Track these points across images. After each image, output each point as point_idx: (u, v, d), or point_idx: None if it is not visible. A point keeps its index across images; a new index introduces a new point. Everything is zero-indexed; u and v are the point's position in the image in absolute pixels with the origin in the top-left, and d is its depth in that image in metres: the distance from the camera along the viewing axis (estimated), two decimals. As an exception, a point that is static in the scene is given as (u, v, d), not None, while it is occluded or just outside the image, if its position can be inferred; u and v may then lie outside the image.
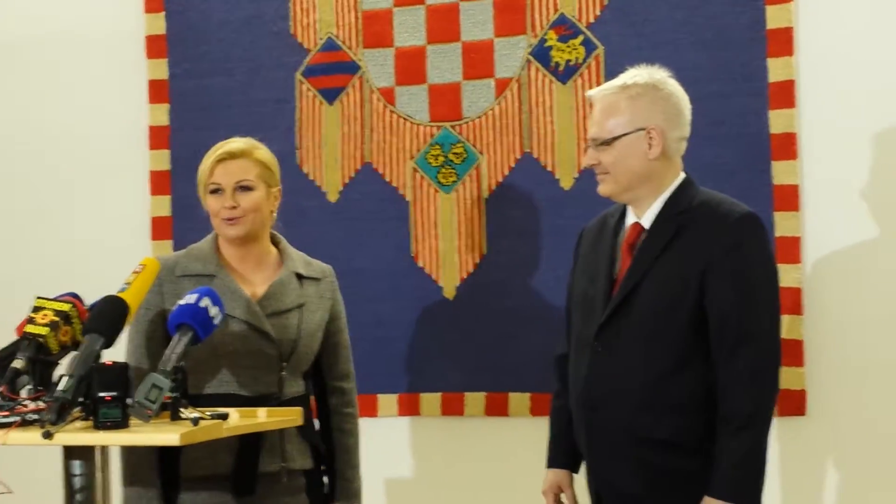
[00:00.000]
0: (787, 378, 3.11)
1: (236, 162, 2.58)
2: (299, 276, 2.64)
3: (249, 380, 2.54)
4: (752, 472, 2.34)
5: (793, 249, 3.12)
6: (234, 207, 2.55)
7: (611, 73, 3.28)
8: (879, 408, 3.08)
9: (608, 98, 2.47)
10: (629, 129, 2.44)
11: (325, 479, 2.71)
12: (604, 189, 2.50)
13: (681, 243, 2.40)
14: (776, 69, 3.16)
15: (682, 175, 2.52)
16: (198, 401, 2.39)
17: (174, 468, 2.53)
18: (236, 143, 2.63)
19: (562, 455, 2.62)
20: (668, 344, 2.38)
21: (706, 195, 2.48)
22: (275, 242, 2.69)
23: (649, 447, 2.39)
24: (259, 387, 2.55)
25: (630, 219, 2.50)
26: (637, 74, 2.49)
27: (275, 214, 2.67)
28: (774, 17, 3.16)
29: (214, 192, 2.58)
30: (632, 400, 2.40)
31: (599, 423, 2.44)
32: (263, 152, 2.66)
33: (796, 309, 3.10)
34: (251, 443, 2.49)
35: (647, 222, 2.46)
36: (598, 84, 3.29)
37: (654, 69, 2.51)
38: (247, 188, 2.58)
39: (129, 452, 2.51)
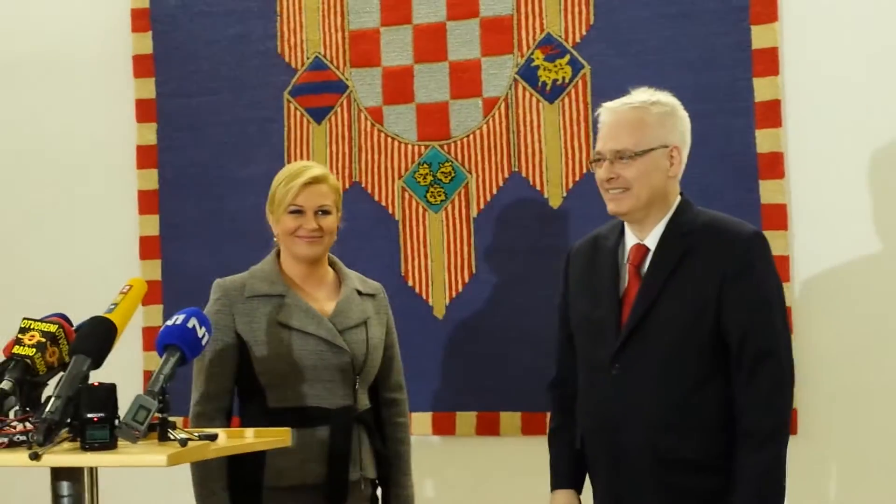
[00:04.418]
0: (777, 396, 3.12)
1: (319, 187, 2.73)
2: (359, 293, 2.79)
3: (328, 393, 2.66)
4: (775, 485, 2.34)
5: (782, 268, 3.11)
6: (317, 229, 2.71)
7: (597, 92, 3.31)
8: (871, 426, 3.08)
9: (633, 112, 2.45)
10: (656, 144, 2.44)
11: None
12: (620, 206, 2.45)
13: (691, 264, 2.41)
14: (762, 89, 3.18)
15: (680, 195, 2.53)
16: (281, 414, 2.60)
17: (257, 478, 2.63)
18: (317, 169, 2.77)
19: (567, 477, 2.58)
20: (686, 365, 2.38)
21: (708, 215, 2.49)
22: (330, 262, 2.83)
23: (671, 467, 2.39)
24: (337, 399, 2.67)
25: (631, 239, 2.49)
26: (655, 94, 2.50)
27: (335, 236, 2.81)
28: (760, 37, 3.19)
29: (295, 212, 2.71)
30: (653, 421, 2.39)
31: (621, 445, 2.43)
32: (335, 179, 2.82)
33: (786, 328, 3.12)
34: (341, 453, 2.64)
35: (651, 243, 2.46)
36: (585, 103, 3.32)
37: (661, 92, 2.53)
38: (326, 212, 2.73)
39: (199, 470, 2.63)
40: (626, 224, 2.52)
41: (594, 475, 2.54)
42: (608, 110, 2.51)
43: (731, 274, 2.38)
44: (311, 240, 2.71)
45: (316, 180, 2.72)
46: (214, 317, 2.65)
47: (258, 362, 2.66)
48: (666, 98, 2.50)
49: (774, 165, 3.16)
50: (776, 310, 2.41)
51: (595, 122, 3.26)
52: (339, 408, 2.66)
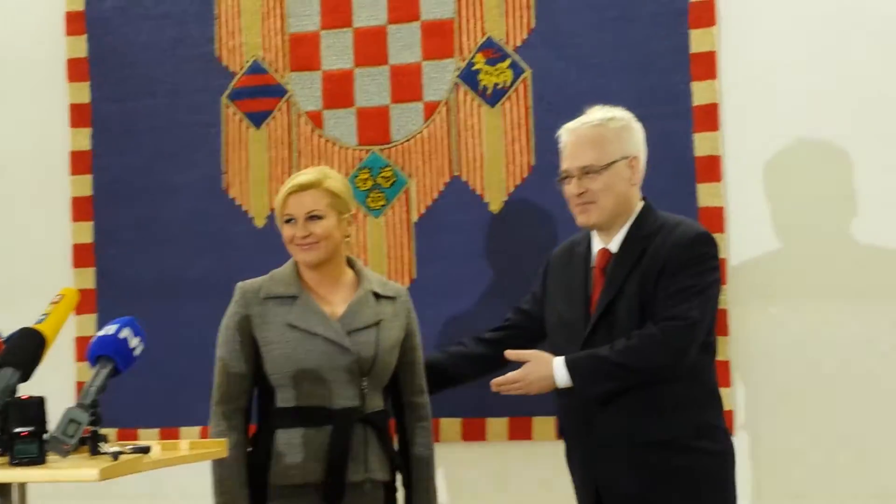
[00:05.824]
0: (715, 399, 3.14)
1: (307, 193, 2.75)
2: (376, 295, 2.80)
3: (332, 394, 2.68)
4: (594, 366, 2.56)
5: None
6: (307, 236, 2.74)
7: (539, 96, 3.31)
8: (805, 427, 3.11)
9: (593, 130, 2.69)
10: (617, 156, 2.67)
11: (400, 492, 2.83)
12: (589, 218, 2.68)
13: (645, 261, 2.63)
14: (700, 92, 3.20)
15: (643, 200, 2.73)
16: (287, 414, 2.68)
17: (263, 477, 2.68)
18: (306, 175, 2.79)
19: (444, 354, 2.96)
20: None
21: (665, 218, 2.70)
22: (351, 265, 2.85)
23: (644, 448, 2.58)
24: (342, 400, 2.69)
25: (597, 245, 2.72)
26: (610, 111, 2.72)
27: (349, 239, 2.84)
28: (698, 42, 3.21)
29: (288, 221, 2.77)
30: (625, 406, 2.59)
31: (597, 430, 2.62)
32: (333, 181, 2.79)
33: (722, 330, 3.12)
34: (339, 453, 2.66)
35: (614, 247, 2.68)
36: (526, 107, 3.32)
37: (615, 108, 2.74)
38: (317, 217, 2.74)
39: (217, 466, 2.66)
40: (593, 231, 2.74)
41: (571, 462, 2.74)
42: (568, 131, 2.74)
43: (669, 269, 2.59)
44: (307, 246, 2.74)
45: (301, 187, 2.75)
46: (233, 318, 2.74)
47: (269, 362, 2.71)
48: (621, 113, 2.73)
49: (712, 169, 3.19)
50: (702, 299, 2.58)
51: (537, 125, 3.32)
52: (343, 408, 2.67)
